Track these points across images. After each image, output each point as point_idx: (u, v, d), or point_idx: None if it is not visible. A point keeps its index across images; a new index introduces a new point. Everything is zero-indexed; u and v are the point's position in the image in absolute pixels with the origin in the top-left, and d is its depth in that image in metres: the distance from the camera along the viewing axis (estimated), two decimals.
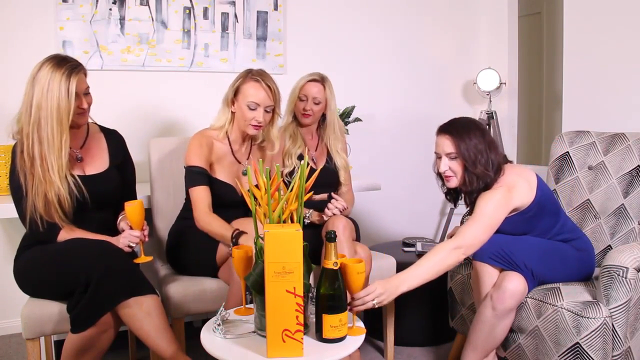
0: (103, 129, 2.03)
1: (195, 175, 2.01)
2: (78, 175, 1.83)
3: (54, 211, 1.77)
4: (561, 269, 1.94)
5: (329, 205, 2.10)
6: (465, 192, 1.92)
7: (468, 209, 2.01)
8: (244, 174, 2.12)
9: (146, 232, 1.85)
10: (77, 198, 1.80)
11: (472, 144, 1.83)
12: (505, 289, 1.81)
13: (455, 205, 2.12)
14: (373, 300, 1.63)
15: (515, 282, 1.82)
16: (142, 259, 1.83)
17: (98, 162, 1.94)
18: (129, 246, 1.81)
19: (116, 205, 1.99)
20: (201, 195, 1.99)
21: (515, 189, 1.86)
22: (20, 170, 1.76)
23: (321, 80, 2.33)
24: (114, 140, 2.02)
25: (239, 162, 2.14)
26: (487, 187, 1.87)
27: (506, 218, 1.88)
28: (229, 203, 2.07)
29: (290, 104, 2.36)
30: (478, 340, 1.91)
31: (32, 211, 1.76)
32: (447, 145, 1.87)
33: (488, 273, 1.89)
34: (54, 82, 1.71)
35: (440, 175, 1.96)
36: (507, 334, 1.91)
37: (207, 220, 1.96)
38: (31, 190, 1.75)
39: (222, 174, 2.09)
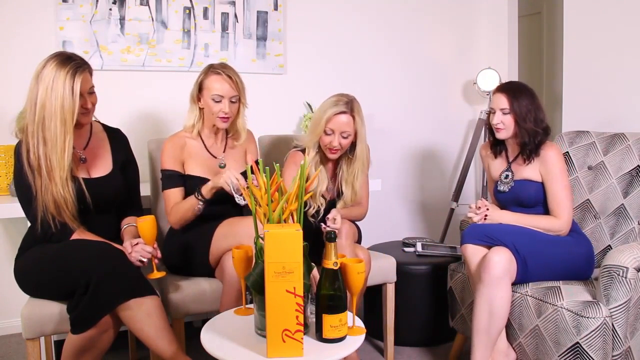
0: (106, 128, 2.01)
1: (167, 179, 2.05)
2: (83, 178, 1.83)
3: (63, 212, 1.76)
4: (558, 254, 1.96)
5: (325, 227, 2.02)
6: (519, 145, 2.10)
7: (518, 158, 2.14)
8: (221, 167, 2.12)
9: (158, 251, 1.84)
10: (79, 201, 1.80)
11: (523, 103, 2.03)
12: (489, 259, 1.88)
13: (495, 157, 2.23)
14: (486, 211, 2.03)
15: (500, 253, 1.88)
16: (155, 274, 1.83)
17: (102, 164, 1.93)
18: (140, 261, 1.80)
19: (119, 209, 1.99)
20: (172, 197, 2.04)
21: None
22: (28, 170, 1.74)
23: (350, 110, 2.08)
24: (117, 139, 2.02)
25: (215, 157, 2.15)
26: (538, 144, 2.04)
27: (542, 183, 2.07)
28: (212, 199, 2.03)
29: (314, 136, 2.12)
30: (481, 323, 1.90)
31: (43, 211, 1.75)
32: (503, 101, 2.06)
33: (475, 254, 1.99)
34: (58, 80, 1.70)
35: (490, 128, 2.15)
36: (508, 312, 1.90)
37: (175, 208, 2.00)
38: (41, 190, 1.74)
39: (197, 170, 2.09)
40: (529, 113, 2.02)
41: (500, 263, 1.87)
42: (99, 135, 1.97)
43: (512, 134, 2.07)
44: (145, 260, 1.81)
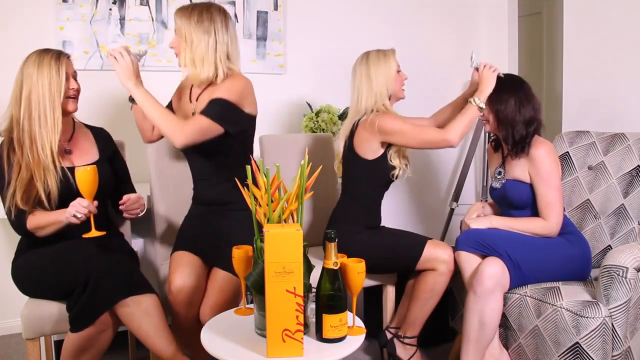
0: (89, 127, 2.03)
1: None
2: (67, 167, 1.80)
3: (32, 197, 1.73)
4: (552, 257, 1.96)
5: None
6: (503, 140, 2.08)
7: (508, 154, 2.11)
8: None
9: (95, 205, 1.70)
10: (65, 191, 1.77)
11: (501, 96, 2.02)
12: (482, 271, 1.88)
13: (495, 151, 2.22)
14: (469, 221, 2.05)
15: (492, 265, 1.88)
16: (93, 233, 1.67)
17: (87, 154, 1.93)
18: (75, 216, 1.64)
19: (113, 201, 1.95)
20: None
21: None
22: (5, 159, 1.75)
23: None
24: (102, 135, 2.03)
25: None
26: (520, 138, 1.99)
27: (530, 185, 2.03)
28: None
29: (387, 84, 2.40)
30: (471, 332, 1.91)
31: (10, 199, 1.73)
32: None
33: (468, 262, 1.98)
34: (43, 65, 1.76)
35: None
36: (498, 323, 1.91)
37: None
38: (15, 179, 1.72)
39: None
40: (504, 103, 2.00)
41: (492, 276, 1.87)
42: (82, 129, 1.99)
43: (495, 127, 2.07)
44: (80, 216, 1.64)
